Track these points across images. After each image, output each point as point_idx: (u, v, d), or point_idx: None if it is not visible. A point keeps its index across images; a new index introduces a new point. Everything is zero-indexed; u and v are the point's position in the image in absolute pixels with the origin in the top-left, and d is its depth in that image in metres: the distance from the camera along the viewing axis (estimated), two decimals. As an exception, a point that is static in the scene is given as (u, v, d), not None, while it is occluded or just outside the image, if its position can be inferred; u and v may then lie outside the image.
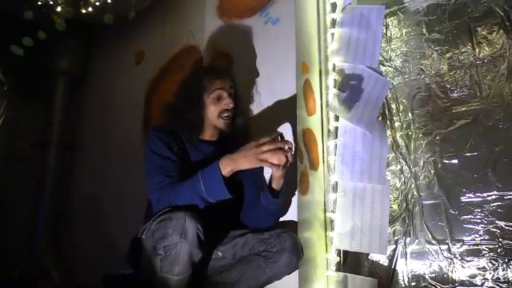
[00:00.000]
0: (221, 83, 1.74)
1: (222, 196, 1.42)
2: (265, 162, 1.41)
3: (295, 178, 1.86)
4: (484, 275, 2.06)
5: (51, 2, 3.01)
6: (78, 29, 3.45)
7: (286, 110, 1.97)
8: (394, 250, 2.30)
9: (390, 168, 2.43)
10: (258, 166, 1.43)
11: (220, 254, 1.64)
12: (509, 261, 2.01)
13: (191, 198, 1.43)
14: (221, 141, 1.80)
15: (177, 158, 1.60)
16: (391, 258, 2.29)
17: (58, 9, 3.03)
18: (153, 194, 1.51)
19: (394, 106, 2.53)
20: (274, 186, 1.59)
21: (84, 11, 3.13)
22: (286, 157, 1.43)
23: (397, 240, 2.31)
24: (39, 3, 2.99)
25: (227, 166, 1.42)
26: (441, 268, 2.17)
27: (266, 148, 1.40)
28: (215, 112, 1.72)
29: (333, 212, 2.10)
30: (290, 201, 1.87)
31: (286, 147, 1.43)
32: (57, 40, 3.36)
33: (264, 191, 1.61)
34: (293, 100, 1.97)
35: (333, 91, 2.23)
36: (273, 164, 1.42)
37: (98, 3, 3.09)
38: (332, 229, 2.07)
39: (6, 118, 3.56)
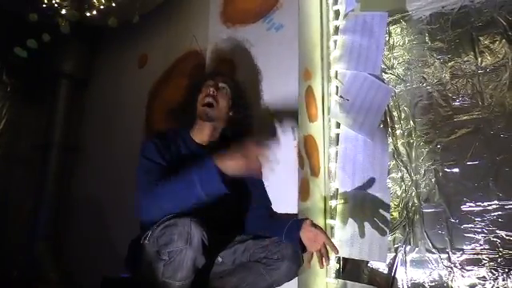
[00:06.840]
0: (212, 81, 1.81)
1: (219, 190, 1.38)
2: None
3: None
4: (484, 285, 2.05)
5: (56, 5, 3.02)
6: (82, 32, 3.46)
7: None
8: (394, 257, 2.29)
9: (390, 176, 2.43)
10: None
11: (220, 259, 1.63)
12: (509, 271, 2.01)
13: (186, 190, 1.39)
14: (216, 146, 1.80)
15: (167, 163, 1.59)
16: (391, 266, 2.29)
17: (63, 12, 3.05)
18: (141, 198, 1.46)
19: (395, 113, 2.53)
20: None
21: (88, 14, 3.15)
22: None
23: (397, 248, 2.31)
24: (44, 6, 3.00)
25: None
26: (440, 277, 2.17)
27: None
28: (201, 101, 1.78)
29: (333, 219, 2.10)
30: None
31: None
32: (61, 42, 3.37)
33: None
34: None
35: (335, 98, 2.24)
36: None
37: (102, 7, 3.11)
38: (332, 236, 2.07)
39: (8, 118, 3.56)
